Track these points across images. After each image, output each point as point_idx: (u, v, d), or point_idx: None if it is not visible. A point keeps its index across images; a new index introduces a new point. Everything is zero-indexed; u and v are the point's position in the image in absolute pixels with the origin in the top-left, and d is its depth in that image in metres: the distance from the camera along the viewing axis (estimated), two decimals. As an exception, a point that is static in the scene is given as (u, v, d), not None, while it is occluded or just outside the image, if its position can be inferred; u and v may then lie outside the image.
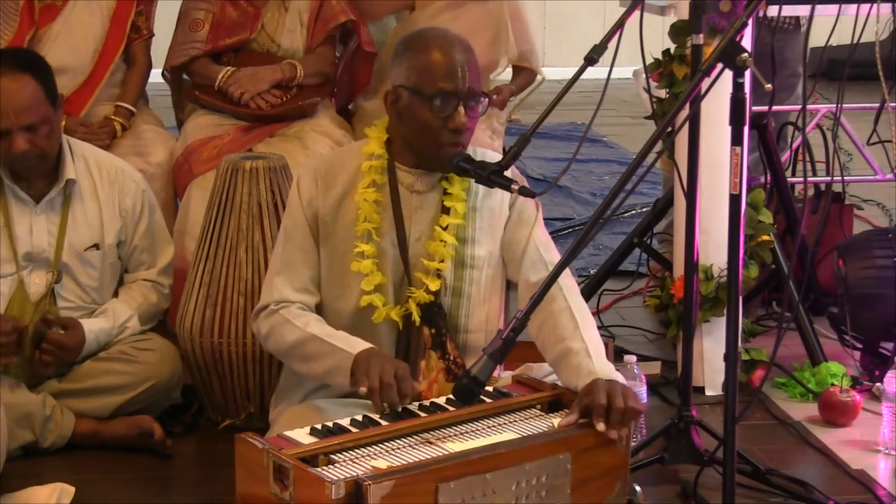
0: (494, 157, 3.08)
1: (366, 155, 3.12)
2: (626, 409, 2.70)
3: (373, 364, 2.84)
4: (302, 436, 2.65)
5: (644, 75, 3.52)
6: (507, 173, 2.98)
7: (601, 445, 2.70)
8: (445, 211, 3.09)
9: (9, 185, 3.60)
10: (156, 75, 4.52)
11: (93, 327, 3.61)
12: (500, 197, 3.13)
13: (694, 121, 3.42)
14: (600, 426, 2.68)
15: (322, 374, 3.01)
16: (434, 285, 3.07)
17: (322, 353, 2.98)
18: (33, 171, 3.59)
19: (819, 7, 3.41)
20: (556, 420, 2.75)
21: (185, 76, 4.54)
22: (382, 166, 3.10)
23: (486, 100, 3.07)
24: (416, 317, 3.08)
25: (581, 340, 2.90)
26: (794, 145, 4.84)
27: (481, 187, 3.07)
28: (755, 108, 4.07)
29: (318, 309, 3.15)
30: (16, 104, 3.44)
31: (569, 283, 3.02)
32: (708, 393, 4.01)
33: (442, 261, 3.08)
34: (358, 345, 2.94)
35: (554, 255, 3.11)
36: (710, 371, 4.02)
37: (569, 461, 2.63)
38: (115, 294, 3.77)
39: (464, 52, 3.01)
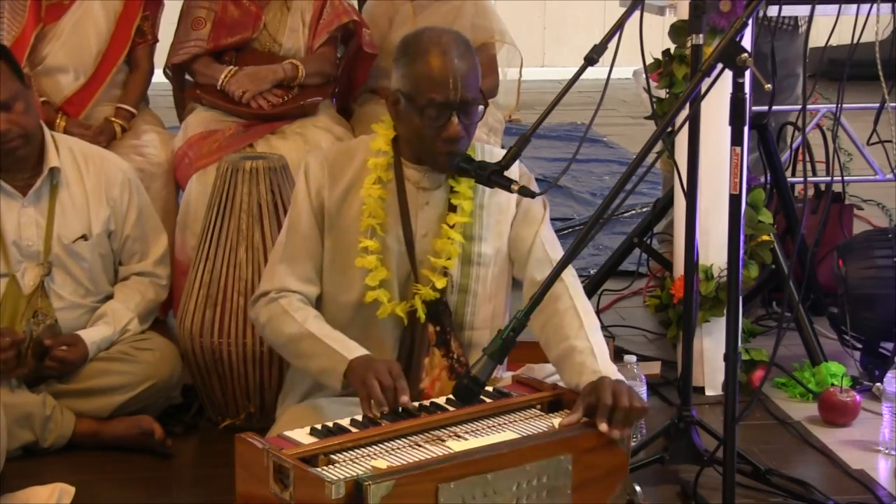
0: (498, 153, 3.07)
1: (373, 151, 3.11)
2: (632, 408, 2.68)
3: (369, 371, 2.83)
4: (302, 436, 2.65)
5: (644, 75, 3.52)
6: (516, 172, 2.97)
7: (602, 447, 2.68)
8: (453, 209, 3.08)
9: None
10: (157, 75, 4.51)
11: (94, 337, 3.60)
12: (508, 194, 3.11)
13: (694, 121, 3.42)
14: (603, 426, 2.66)
15: (315, 373, 3.01)
16: (441, 283, 3.07)
17: (317, 353, 2.97)
18: (19, 159, 3.53)
19: (819, 7, 3.41)
20: (556, 420, 2.74)
21: (186, 75, 4.54)
22: (388, 163, 3.09)
23: (483, 106, 3.03)
24: (421, 314, 3.08)
25: (586, 340, 2.89)
26: (794, 145, 4.84)
27: None
28: (755, 108, 4.07)
29: (319, 300, 3.15)
30: None
31: (573, 282, 3.01)
32: (708, 393, 4.01)
33: (449, 258, 3.07)
34: (354, 350, 2.93)
35: (559, 254, 3.09)
36: (710, 371, 4.02)
37: (570, 462, 2.62)
38: (112, 286, 3.75)
39: (460, 57, 2.96)
